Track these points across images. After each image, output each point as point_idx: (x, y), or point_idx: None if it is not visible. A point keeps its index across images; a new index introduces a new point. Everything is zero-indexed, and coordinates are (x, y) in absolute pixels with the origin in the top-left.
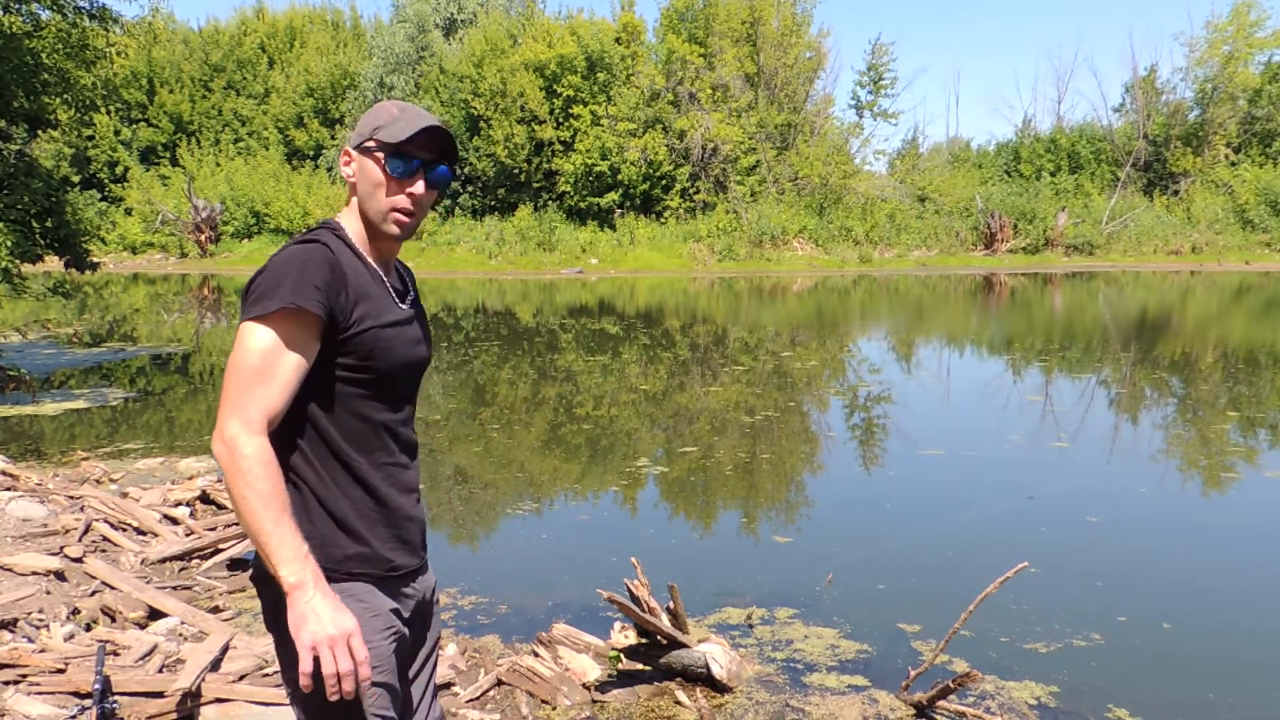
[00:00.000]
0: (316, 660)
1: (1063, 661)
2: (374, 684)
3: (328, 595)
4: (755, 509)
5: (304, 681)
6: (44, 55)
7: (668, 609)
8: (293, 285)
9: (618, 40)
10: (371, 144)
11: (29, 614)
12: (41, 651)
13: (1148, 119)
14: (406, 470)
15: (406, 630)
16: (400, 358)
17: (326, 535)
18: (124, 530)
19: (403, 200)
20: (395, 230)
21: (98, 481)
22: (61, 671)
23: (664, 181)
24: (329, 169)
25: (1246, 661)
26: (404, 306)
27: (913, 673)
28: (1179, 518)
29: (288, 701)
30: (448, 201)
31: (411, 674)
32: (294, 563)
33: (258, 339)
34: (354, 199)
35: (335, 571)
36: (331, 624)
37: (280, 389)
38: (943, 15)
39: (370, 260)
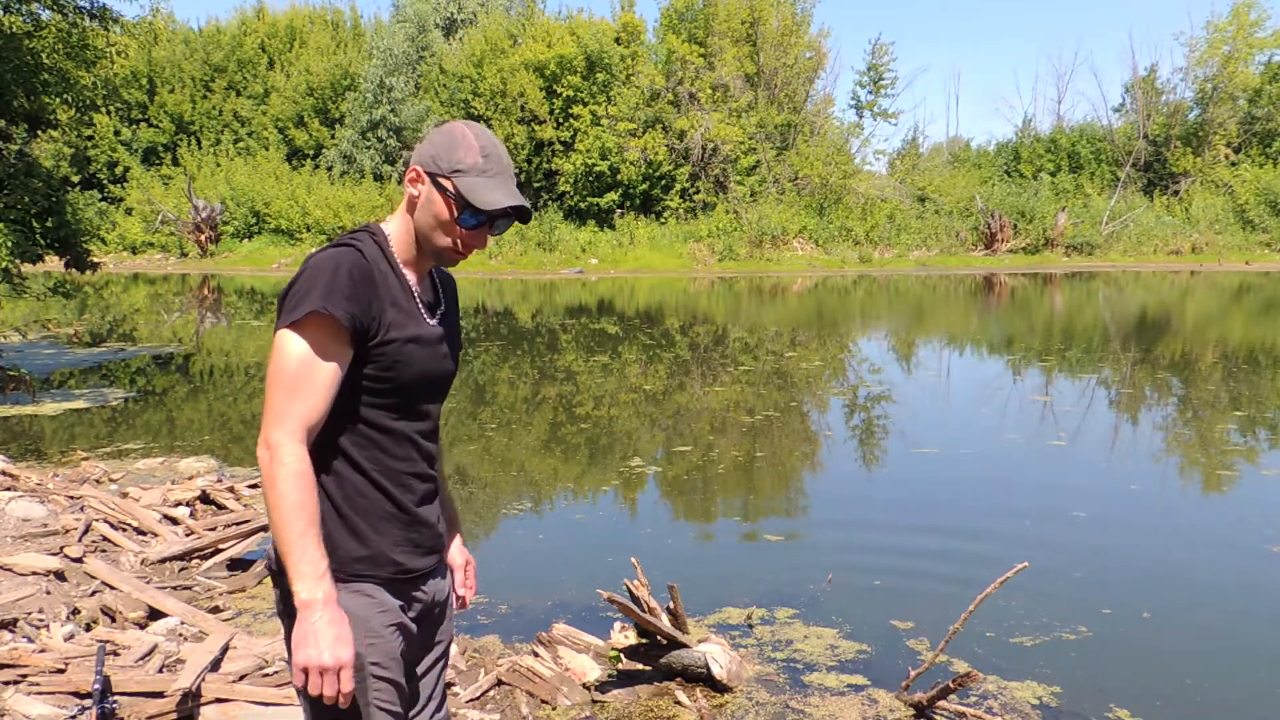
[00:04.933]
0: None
1: (1051, 655)
2: (379, 678)
3: (334, 620)
4: (755, 509)
5: (296, 684)
6: (44, 55)
7: (668, 609)
8: (323, 291)
9: (617, 40)
10: (448, 185)
11: (29, 614)
12: (41, 651)
13: (1148, 119)
14: (425, 480)
15: (415, 629)
16: (420, 372)
17: (335, 537)
18: (124, 530)
19: (461, 244)
20: (440, 262)
21: (98, 481)
22: (61, 671)
23: (664, 181)
24: (329, 168)
25: (1226, 649)
26: (432, 322)
27: (913, 673)
28: (1166, 513)
29: (288, 701)
30: None
31: (420, 671)
32: (309, 580)
33: (293, 347)
34: (406, 210)
35: (341, 572)
36: (328, 653)
37: (318, 397)
38: (943, 15)
39: (405, 271)
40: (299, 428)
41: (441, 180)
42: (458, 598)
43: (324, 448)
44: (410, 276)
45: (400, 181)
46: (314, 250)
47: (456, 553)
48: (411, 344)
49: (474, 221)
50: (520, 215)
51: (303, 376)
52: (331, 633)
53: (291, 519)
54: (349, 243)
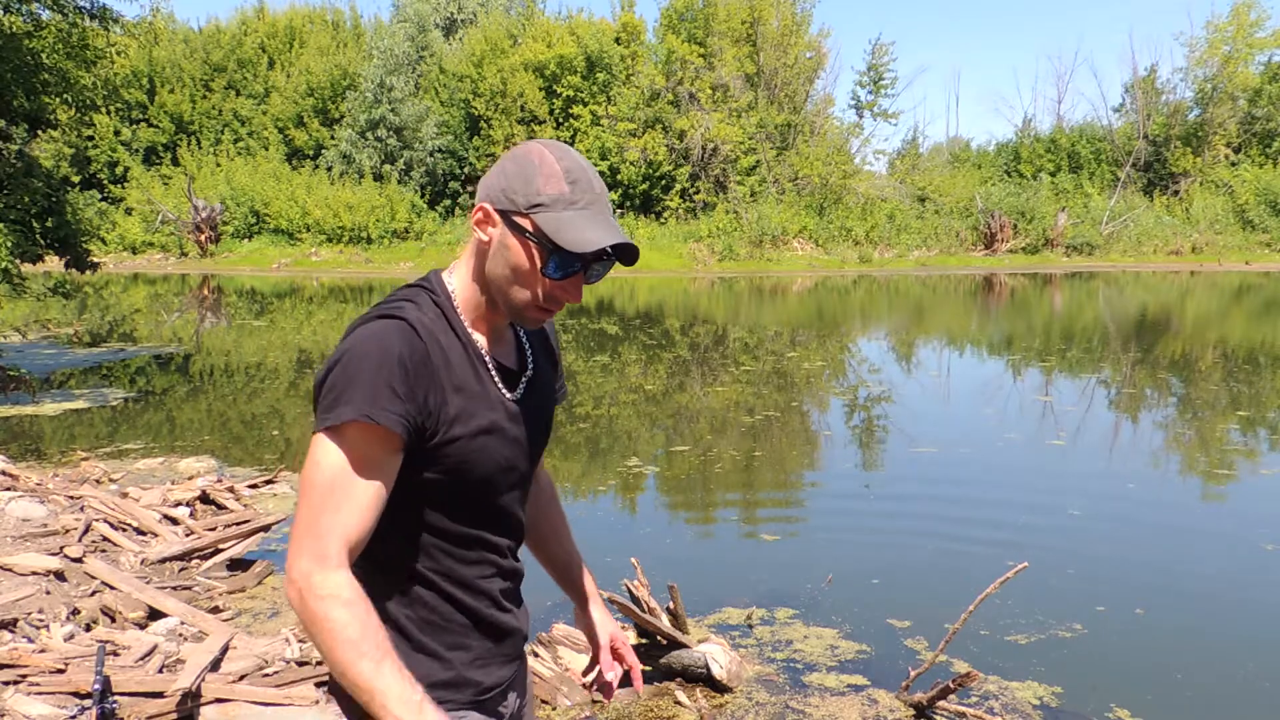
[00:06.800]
0: None
1: (1046, 653)
2: None
3: None
4: (755, 509)
5: None
6: (44, 55)
7: (668, 609)
8: (368, 391)
9: (617, 40)
10: (527, 225)
11: (29, 614)
12: (41, 651)
13: (1148, 119)
14: (506, 577)
15: None
16: (495, 465)
17: (409, 664)
18: (124, 530)
19: (547, 299)
20: (522, 322)
21: (98, 481)
22: (61, 671)
23: (664, 181)
24: (329, 168)
25: (1219, 645)
26: (512, 395)
27: (913, 673)
28: (1163, 512)
29: (288, 702)
30: (447, 201)
31: None
32: (406, 717)
33: (330, 457)
34: (475, 256)
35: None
36: None
37: (360, 513)
38: (943, 15)
39: (474, 333)
40: (336, 550)
41: (518, 219)
42: (604, 684)
43: (383, 566)
44: (482, 341)
45: (400, 181)
46: (356, 321)
47: (599, 626)
48: (483, 436)
49: (564, 270)
50: (624, 255)
51: (340, 490)
52: None
53: (357, 656)
54: (398, 314)
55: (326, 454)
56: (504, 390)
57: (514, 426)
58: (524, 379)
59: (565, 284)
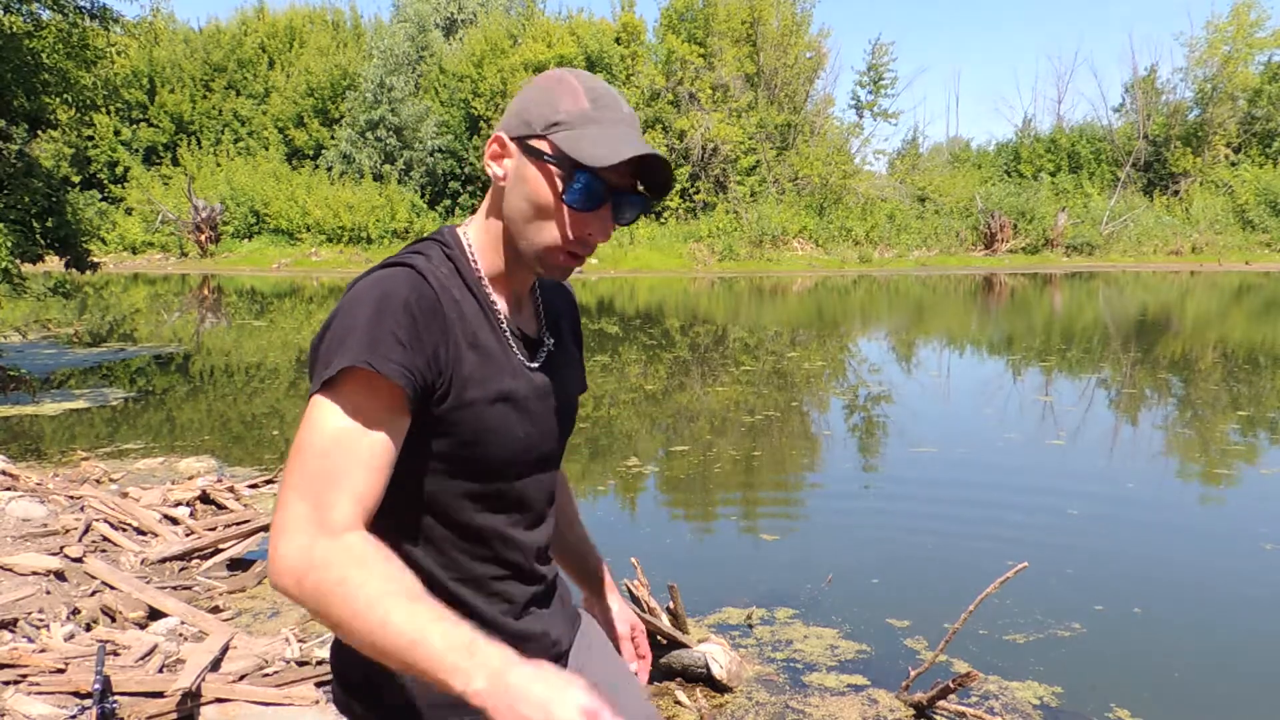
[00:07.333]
0: None
1: (1044, 652)
2: None
3: (532, 677)
4: (755, 509)
5: None
6: (44, 55)
7: (667, 609)
8: (365, 337)
9: (617, 40)
10: (545, 147)
11: (29, 614)
12: (41, 651)
13: (1148, 119)
14: (530, 581)
15: None
16: (515, 442)
17: (407, 679)
18: (124, 530)
19: (574, 241)
20: (543, 272)
21: (98, 481)
22: (61, 671)
23: None
24: (329, 169)
25: (1217, 644)
26: (534, 365)
27: (913, 673)
28: (1162, 511)
29: (287, 701)
30: (447, 201)
31: None
32: (461, 664)
33: (327, 416)
34: (492, 200)
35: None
36: (561, 710)
37: (369, 474)
38: (943, 15)
39: (493, 295)
40: (341, 515)
41: (535, 143)
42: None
43: None
44: (500, 302)
45: (400, 181)
46: (357, 276)
47: (618, 615)
48: (501, 404)
49: (589, 197)
50: (653, 179)
51: (340, 451)
52: (539, 687)
53: (384, 616)
54: (405, 261)
55: (323, 413)
56: (524, 359)
57: (536, 401)
58: (544, 350)
59: (591, 219)
